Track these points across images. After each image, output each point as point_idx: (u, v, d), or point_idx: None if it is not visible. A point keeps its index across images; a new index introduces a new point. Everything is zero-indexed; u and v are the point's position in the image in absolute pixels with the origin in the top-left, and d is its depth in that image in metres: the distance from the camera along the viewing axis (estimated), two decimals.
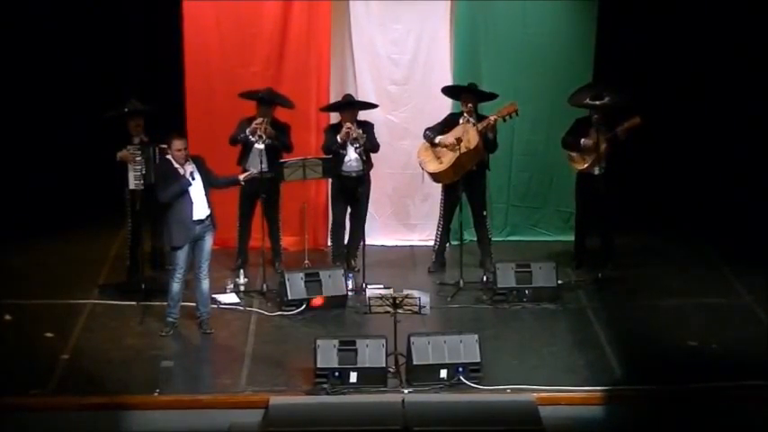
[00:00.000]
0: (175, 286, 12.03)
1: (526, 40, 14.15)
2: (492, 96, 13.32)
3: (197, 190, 11.89)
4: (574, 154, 13.49)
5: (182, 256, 11.93)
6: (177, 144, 11.87)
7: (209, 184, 12.03)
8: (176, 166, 11.88)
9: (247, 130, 13.09)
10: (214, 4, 13.77)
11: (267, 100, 13.09)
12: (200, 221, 11.94)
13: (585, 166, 13.40)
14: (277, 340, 12.12)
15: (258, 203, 13.33)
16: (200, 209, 11.91)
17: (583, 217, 13.76)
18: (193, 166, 11.90)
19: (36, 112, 14.93)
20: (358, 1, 14.01)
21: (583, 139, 13.34)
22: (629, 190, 14.46)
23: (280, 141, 13.19)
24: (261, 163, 12.91)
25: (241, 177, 12.50)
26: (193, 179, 11.86)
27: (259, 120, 13.05)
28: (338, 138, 13.21)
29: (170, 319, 12.13)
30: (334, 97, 13.86)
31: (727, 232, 14.47)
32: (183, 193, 11.83)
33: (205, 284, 12.13)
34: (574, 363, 11.63)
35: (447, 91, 13.61)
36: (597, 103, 13.24)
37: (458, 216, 13.48)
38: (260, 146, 12.95)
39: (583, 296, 13.07)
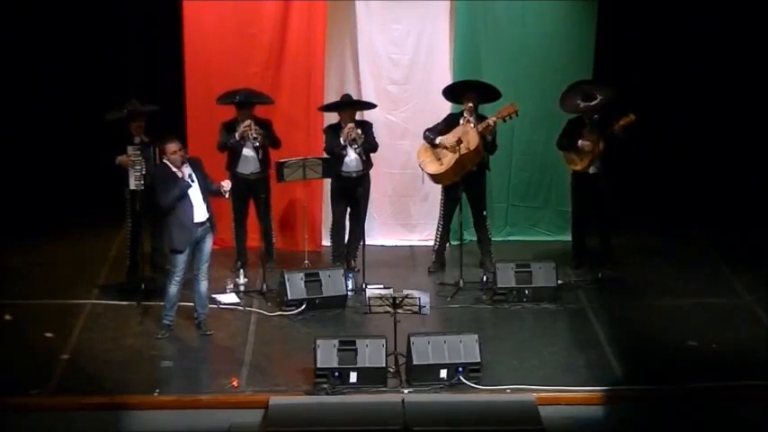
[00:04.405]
0: (172, 289, 11.99)
1: (526, 40, 14.15)
2: (496, 93, 13.28)
3: (196, 192, 11.84)
4: (571, 155, 13.48)
5: (181, 259, 11.89)
6: (172, 147, 11.80)
7: (206, 187, 11.97)
8: (174, 169, 11.82)
9: (236, 135, 13.09)
10: (214, 5, 13.76)
11: (245, 102, 13.08)
12: (201, 224, 11.90)
13: (582, 166, 13.39)
14: (277, 340, 12.12)
15: (251, 204, 13.36)
16: (201, 211, 11.86)
17: (579, 216, 13.75)
18: (190, 168, 11.85)
19: (36, 112, 14.92)
20: (358, 1, 14.00)
21: (580, 141, 13.32)
22: (629, 190, 14.47)
23: (269, 139, 13.21)
24: (259, 162, 12.95)
25: (224, 191, 12.04)
26: (193, 181, 11.82)
27: (246, 123, 13.05)
28: (341, 140, 13.21)
29: (166, 322, 12.10)
30: (333, 97, 13.85)
31: (727, 232, 14.47)
32: (183, 196, 11.78)
33: (203, 286, 12.11)
34: (574, 363, 11.62)
35: (448, 92, 13.57)
36: (592, 104, 13.23)
37: (458, 216, 13.48)
38: (251, 152, 13.06)
39: (583, 296, 13.06)
